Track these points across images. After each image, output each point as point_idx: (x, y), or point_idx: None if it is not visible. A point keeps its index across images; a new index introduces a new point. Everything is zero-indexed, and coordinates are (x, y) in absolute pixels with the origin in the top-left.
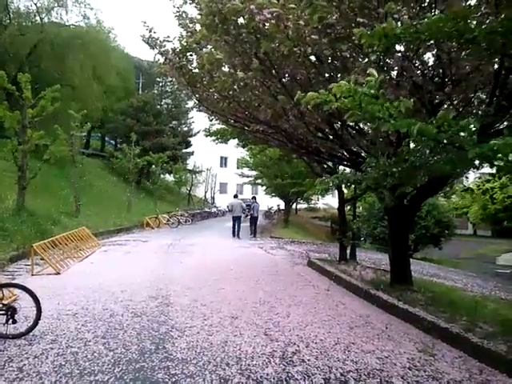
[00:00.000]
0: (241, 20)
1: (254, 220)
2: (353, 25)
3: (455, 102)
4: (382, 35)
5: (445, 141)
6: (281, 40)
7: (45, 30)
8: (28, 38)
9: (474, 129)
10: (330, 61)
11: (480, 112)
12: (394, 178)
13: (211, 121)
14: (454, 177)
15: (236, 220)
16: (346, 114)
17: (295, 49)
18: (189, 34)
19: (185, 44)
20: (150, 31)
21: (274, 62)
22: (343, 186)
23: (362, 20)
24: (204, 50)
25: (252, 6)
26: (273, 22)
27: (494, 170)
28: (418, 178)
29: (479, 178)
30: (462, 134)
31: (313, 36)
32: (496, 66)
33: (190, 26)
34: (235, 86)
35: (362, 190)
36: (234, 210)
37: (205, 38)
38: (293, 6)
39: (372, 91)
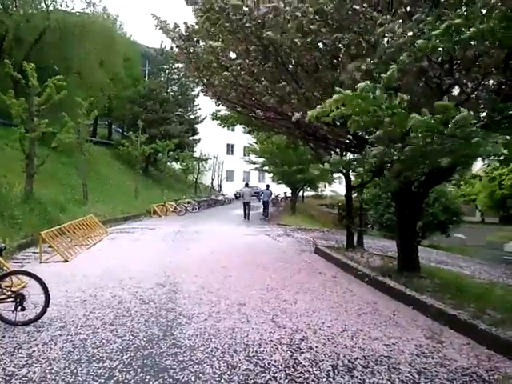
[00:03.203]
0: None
1: (264, 204)
2: (349, 12)
3: (464, 87)
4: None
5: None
6: (281, 30)
7: (51, 17)
8: (34, 26)
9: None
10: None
11: (490, 95)
12: (398, 163)
13: (218, 106)
14: (462, 165)
15: (246, 205)
16: (349, 123)
17: (296, 40)
18: (199, 18)
19: (192, 30)
20: (159, 19)
21: (278, 49)
22: (350, 172)
23: (358, 7)
24: (202, 43)
25: (249, 2)
26: (270, 16)
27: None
28: (422, 166)
29: (487, 165)
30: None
31: (312, 26)
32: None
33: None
34: (235, 73)
35: (369, 176)
36: (244, 196)
37: (209, 27)
38: None
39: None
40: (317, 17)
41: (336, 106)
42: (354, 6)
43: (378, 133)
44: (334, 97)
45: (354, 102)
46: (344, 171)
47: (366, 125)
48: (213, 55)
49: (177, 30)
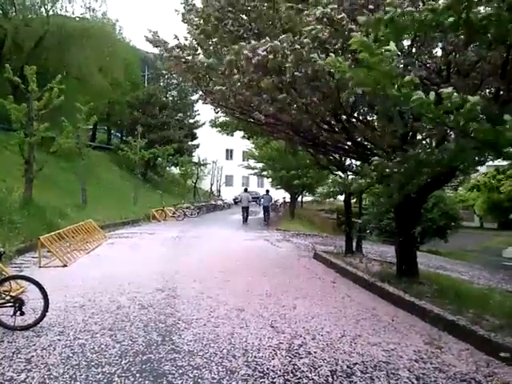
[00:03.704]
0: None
1: (264, 209)
2: (346, 33)
3: (462, 94)
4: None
5: (450, 124)
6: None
7: (50, 22)
8: (34, 30)
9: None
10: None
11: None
12: (400, 175)
13: (217, 113)
14: (462, 171)
15: (244, 209)
16: (356, 85)
17: (296, 73)
18: (195, 27)
19: (191, 38)
20: (154, 33)
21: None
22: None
23: (354, 27)
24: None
25: (245, 52)
26: (270, 56)
27: (502, 162)
28: (424, 177)
29: (485, 174)
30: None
31: (311, 55)
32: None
33: (196, 19)
34: (234, 89)
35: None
36: (243, 201)
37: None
38: (284, 36)
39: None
40: (315, 44)
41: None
42: (350, 26)
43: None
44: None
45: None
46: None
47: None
48: (210, 68)
49: (175, 40)
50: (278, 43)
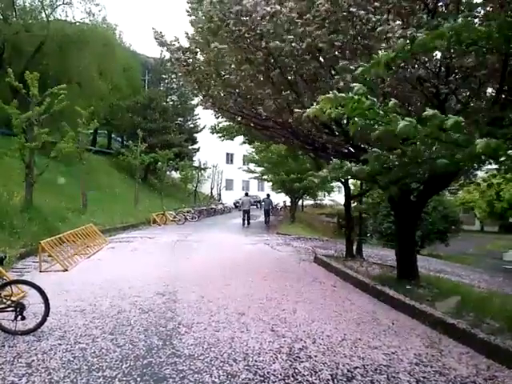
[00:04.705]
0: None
1: (265, 212)
2: (345, 13)
3: (461, 97)
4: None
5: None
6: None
7: (50, 27)
8: (34, 35)
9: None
10: (331, 52)
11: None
12: (397, 168)
13: (217, 118)
14: (461, 173)
15: (245, 212)
16: (350, 124)
17: (293, 44)
18: (198, 31)
19: (192, 41)
20: (161, 34)
21: (277, 59)
22: (349, 181)
23: (354, 10)
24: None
25: (248, 4)
26: (267, 18)
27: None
28: (421, 172)
29: (486, 172)
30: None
31: (308, 28)
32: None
33: (199, 24)
34: (239, 78)
35: (367, 186)
36: (244, 204)
37: (210, 37)
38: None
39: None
40: (311, 16)
41: (334, 106)
42: (351, 9)
43: (376, 133)
44: (327, 96)
45: (350, 104)
46: (343, 180)
47: (365, 127)
48: (214, 64)
49: (176, 42)
50: (278, 7)
